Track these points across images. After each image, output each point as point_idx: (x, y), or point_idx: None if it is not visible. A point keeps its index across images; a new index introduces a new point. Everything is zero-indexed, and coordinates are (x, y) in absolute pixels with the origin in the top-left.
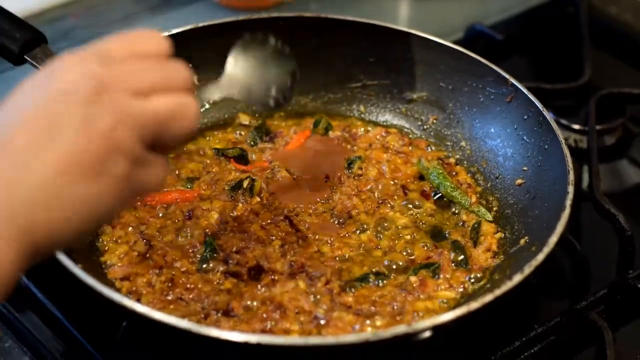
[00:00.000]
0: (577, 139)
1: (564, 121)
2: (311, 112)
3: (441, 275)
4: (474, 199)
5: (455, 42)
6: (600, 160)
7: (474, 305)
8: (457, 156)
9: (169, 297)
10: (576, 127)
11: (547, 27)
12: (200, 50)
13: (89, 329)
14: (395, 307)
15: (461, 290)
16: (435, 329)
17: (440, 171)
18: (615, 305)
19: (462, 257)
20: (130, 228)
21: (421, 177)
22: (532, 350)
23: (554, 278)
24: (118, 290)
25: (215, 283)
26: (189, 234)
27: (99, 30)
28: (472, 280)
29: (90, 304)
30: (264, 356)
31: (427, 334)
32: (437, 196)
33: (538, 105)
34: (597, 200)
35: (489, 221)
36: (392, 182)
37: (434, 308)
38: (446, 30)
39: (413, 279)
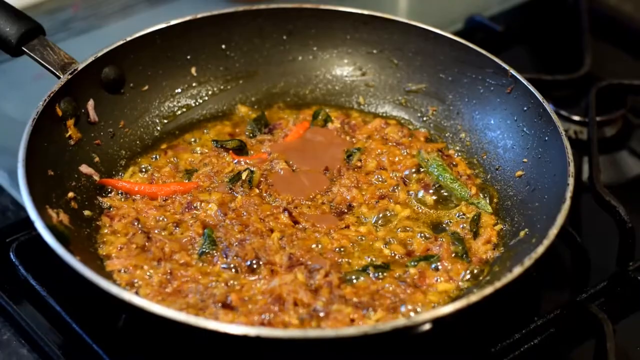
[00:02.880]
0: (577, 130)
1: (564, 112)
2: (310, 104)
3: (440, 267)
4: (474, 191)
5: (454, 34)
6: (601, 151)
7: (474, 297)
8: (457, 148)
9: (168, 290)
10: (576, 118)
11: (547, 18)
12: (199, 42)
13: (88, 322)
14: (394, 300)
15: (461, 282)
16: (435, 321)
17: (440, 163)
18: (615, 298)
19: (461, 249)
20: (129, 220)
21: (421, 169)
22: (532, 343)
23: (554, 270)
24: (116, 282)
25: (214, 275)
26: (187, 226)
27: (98, 21)
28: (472, 273)
29: (89, 297)
30: (263, 349)
31: (427, 326)
32: (436, 188)
33: (538, 97)
34: (598, 192)
35: (489, 213)
36: (391, 174)
37: (434, 300)
38: (446, 21)
39: (412, 271)
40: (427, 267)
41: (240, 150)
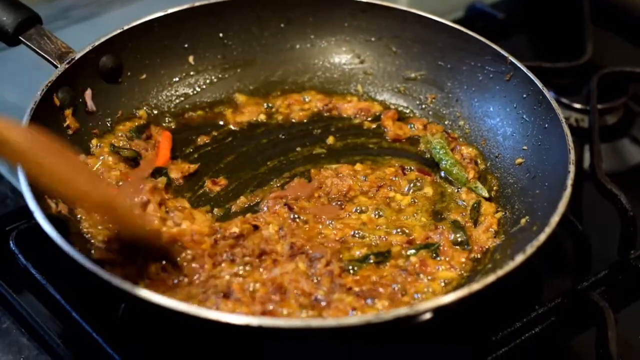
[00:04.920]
0: (579, 118)
1: (565, 100)
2: (309, 90)
3: (441, 256)
4: (471, 175)
5: (455, 21)
6: (602, 139)
7: (476, 286)
8: (456, 135)
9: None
10: (577, 106)
11: (548, 5)
12: (197, 30)
13: (88, 311)
14: (396, 288)
15: (462, 270)
16: (437, 310)
17: (443, 144)
18: (616, 286)
19: (462, 237)
20: None
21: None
22: (533, 331)
23: (555, 258)
24: None
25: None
26: None
27: (96, 9)
28: (473, 261)
29: (89, 286)
30: (265, 338)
31: (429, 315)
32: (436, 174)
33: (537, 84)
34: (599, 180)
35: (487, 199)
36: (390, 162)
37: (435, 289)
38: (446, 8)
39: (413, 259)
40: (428, 255)
41: (134, 160)
